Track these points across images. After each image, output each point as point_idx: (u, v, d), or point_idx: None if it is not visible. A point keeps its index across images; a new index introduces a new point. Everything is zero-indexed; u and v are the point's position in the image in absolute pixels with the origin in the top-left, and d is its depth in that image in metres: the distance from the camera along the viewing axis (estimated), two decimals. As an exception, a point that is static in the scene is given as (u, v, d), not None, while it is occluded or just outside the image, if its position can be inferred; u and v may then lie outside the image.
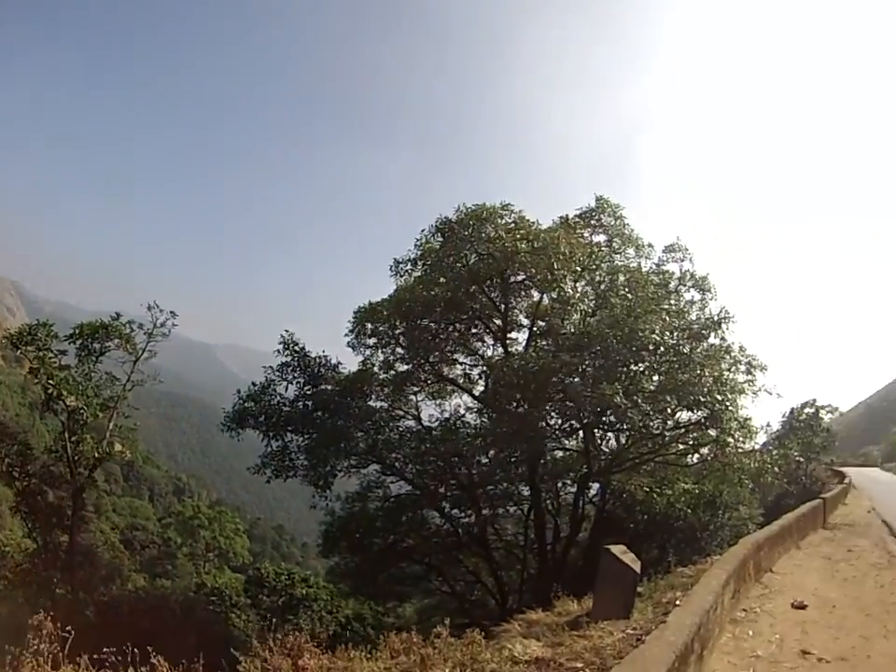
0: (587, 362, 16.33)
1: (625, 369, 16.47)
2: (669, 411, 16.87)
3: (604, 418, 17.44)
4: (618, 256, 20.58)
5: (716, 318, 18.70)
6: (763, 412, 48.42)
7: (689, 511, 18.77)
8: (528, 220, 18.97)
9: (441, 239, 19.04)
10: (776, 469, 18.44)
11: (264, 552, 77.25)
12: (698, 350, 17.72)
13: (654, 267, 20.58)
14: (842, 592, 10.06)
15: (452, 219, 18.63)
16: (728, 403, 16.28)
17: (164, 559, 55.39)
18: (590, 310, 18.75)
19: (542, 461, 19.61)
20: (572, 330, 17.21)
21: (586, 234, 20.32)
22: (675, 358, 16.76)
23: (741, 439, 17.51)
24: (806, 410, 36.82)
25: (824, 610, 8.87)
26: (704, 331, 18.44)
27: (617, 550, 7.09)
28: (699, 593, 6.18)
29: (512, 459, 18.37)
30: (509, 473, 19.07)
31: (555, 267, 17.10)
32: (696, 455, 18.96)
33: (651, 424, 17.35)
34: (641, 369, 17.05)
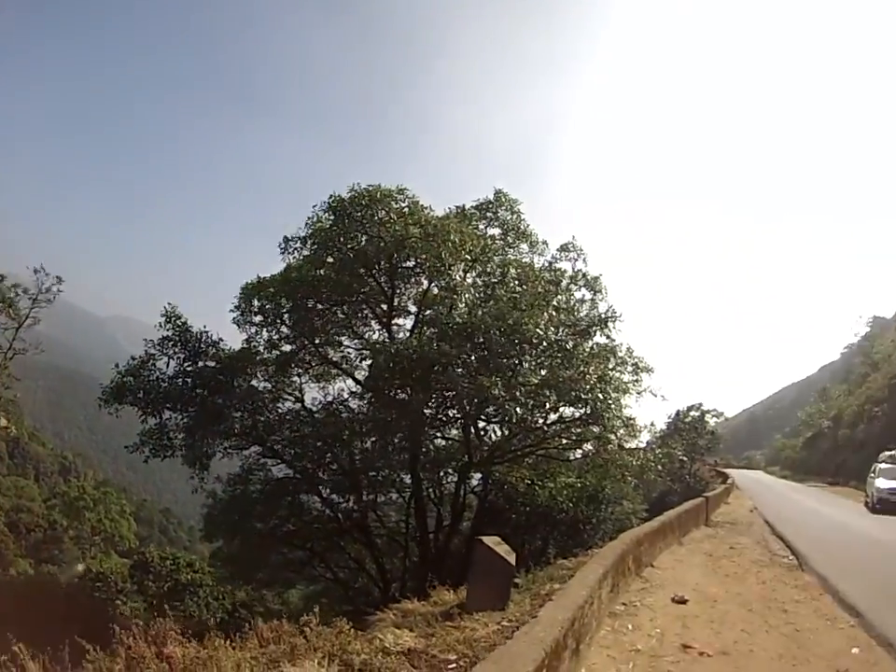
0: (469, 353, 17.18)
1: (506, 361, 17.40)
2: (549, 406, 17.70)
3: (485, 410, 18.33)
4: (511, 250, 21.86)
5: (603, 316, 20.10)
6: (650, 412, 53.92)
7: (571, 504, 20.13)
8: (422, 206, 19.63)
9: (332, 218, 19.34)
10: (659, 467, 20.03)
11: (151, 535, 77.65)
12: (583, 347, 18.92)
13: (547, 264, 21.97)
14: (724, 588, 10.31)
15: (345, 198, 18.94)
16: (611, 402, 17.44)
17: (50, 543, 54.57)
18: (477, 301, 19.58)
19: (424, 449, 20.50)
20: (458, 321, 17.80)
21: (481, 226, 21.32)
22: (558, 354, 17.81)
23: (625, 436, 19.08)
24: (692, 413, 41.61)
25: (705, 605, 9.03)
26: (590, 329, 19.78)
27: (490, 541, 7.17)
28: (573, 587, 6.27)
29: (393, 446, 19.10)
30: (390, 460, 19.74)
31: (444, 255, 17.75)
32: (579, 451, 20.37)
33: (531, 418, 18.30)
34: (523, 362, 18.12)
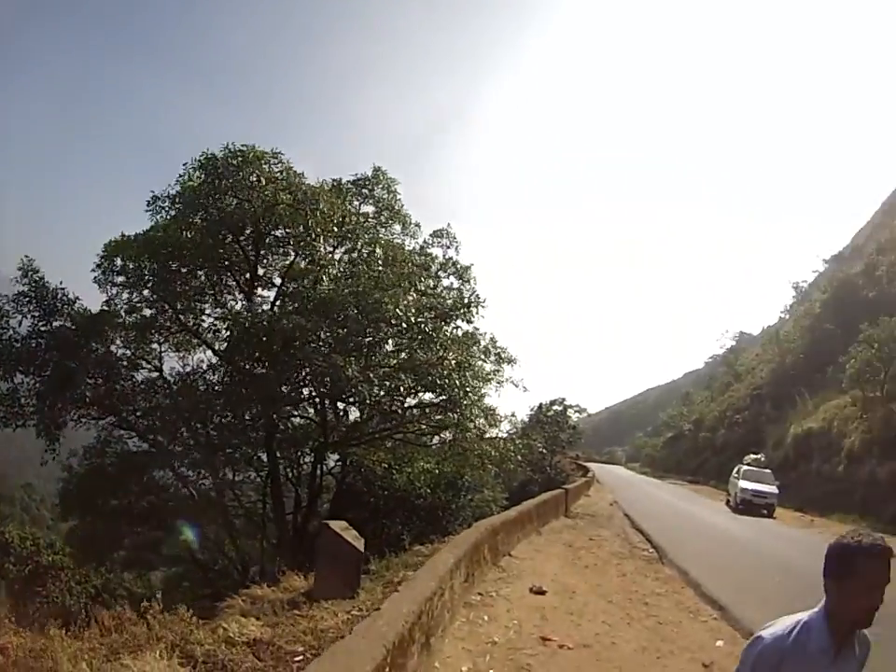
0: (326, 330, 17.77)
1: (364, 341, 18.12)
2: (403, 389, 18.47)
3: (339, 389, 18.63)
4: (383, 230, 22.75)
5: (466, 301, 21.15)
6: (514, 403, 57.45)
7: (429, 490, 20.89)
8: (296, 173, 20.14)
9: (202, 176, 19.68)
10: (518, 457, 21.36)
11: (13, 514, 75.37)
12: (444, 332, 19.86)
13: (418, 248, 23.09)
14: (583, 579, 10.57)
15: (217, 156, 19.31)
16: (469, 389, 18.36)
17: None
18: (342, 277, 20.15)
19: (282, 427, 21.14)
20: (319, 296, 18.37)
21: (356, 203, 22.10)
22: (418, 337, 18.60)
23: (485, 425, 20.43)
24: (555, 407, 43.15)
25: (565, 597, 9.14)
26: (452, 313, 20.70)
27: (337, 526, 7.24)
28: (422, 578, 6.24)
29: (248, 422, 19.87)
30: (247, 437, 20.28)
31: (311, 224, 18.37)
32: (438, 437, 21.43)
33: (385, 400, 19.05)
34: (381, 343, 18.99)
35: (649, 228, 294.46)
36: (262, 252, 21.12)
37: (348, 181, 22.10)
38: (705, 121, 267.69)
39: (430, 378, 17.77)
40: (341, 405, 21.98)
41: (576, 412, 45.12)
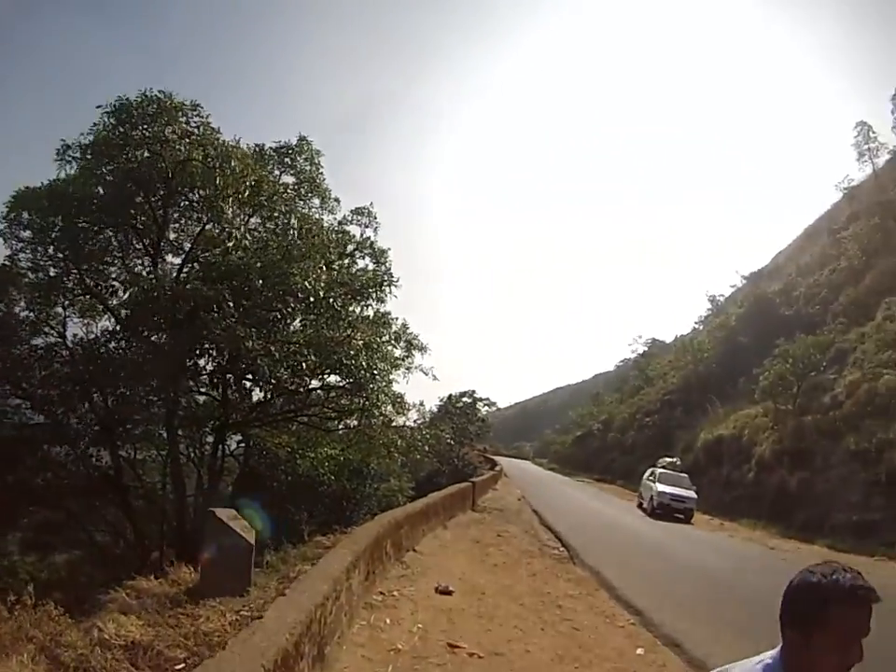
0: (229, 300, 17.18)
1: (268, 314, 17.67)
2: (307, 367, 18.11)
3: (239, 363, 18.47)
4: (302, 202, 22.32)
5: (378, 279, 20.80)
6: (424, 393, 57.89)
7: (333, 477, 20.50)
8: (213, 128, 19.34)
9: (114, 124, 18.65)
10: (426, 447, 21.37)
11: None
12: (353, 309, 19.74)
13: (336, 224, 22.58)
14: (492, 578, 10.11)
15: (132, 102, 18.24)
16: (376, 372, 18.15)
17: None
18: (252, 246, 19.74)
19: (185, 403, 20.49)
20: (228, 264, 17.89)
21: (277, 171, 21.62)
22: (325, 313, 18.27)
23: (392, 413, 20.17)
24: (464, 399, 44.68)
25: (473, 598, 8.64)
26: (364, 290, 20.40)
27: (225, 515, 6.87)
28: (314, 578, 5.78)
29: (152, 396, 19.36)
30: (149, 412, 19.85)
31: (219, 184, 17.66)
32: (343, 423, 21.14)
33: (288, 379, 18.86)
34: (287, 318, 18.56)
35: (568, 230, 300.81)
36: (173, 214, 20.32)
37: (270, 147, 21.38)
38: (635, 130, 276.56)
39: (336, 357, 17.44)
40: (247, 384, 21.11)
41: (485, 405, 46.82)
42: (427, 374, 21.11)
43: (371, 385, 17.91)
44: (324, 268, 18.30)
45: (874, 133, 43.38)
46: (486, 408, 47.43)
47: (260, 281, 17.02)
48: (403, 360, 20.44)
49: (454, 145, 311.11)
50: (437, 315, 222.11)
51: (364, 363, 17.39)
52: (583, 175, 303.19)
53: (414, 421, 22.66)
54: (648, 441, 42.12)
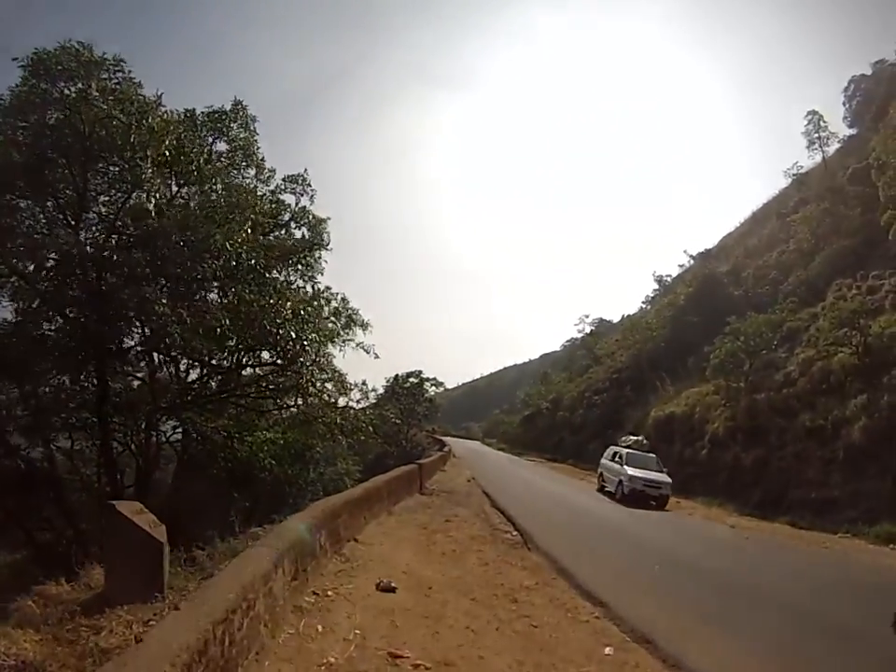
0: (145, 265, 16.21)
1: (182, 274, 16.38)
2: (227, 337, 17.16)
3: (163, 339, 17.17)
4: (235, 171, 21.35)
5: (306, 242, 20.16)
6: (372, 375, 57.49)
7: (273, 462, 19.36)
8: (137, 84, 18.17)
9: (31, 79, 17.12)
10: (370, 428, 20.83)
11: None
12: (282, 276, 19.00)
13: (270, 194, 21.72)
14: (440, 570, 9.26)
15: (50, 54, 16.82)
16: (306, 343, 17.26)
17: None
18: (172, 209, 18.45)
19: (120, 387, 19.68)
20: (146, 228, 16.71)
21: (210, 139, 20.50)
22: (248, 277, 17.04)
23: (333, 392, 19.84)
24: (411, 379, 45.44)
25: (419, 594, 7.78)
26: (292, 254, 19.63)
27: (128, 509, 6.34)
28: (219, 585, 4.79)
29: (84, 381, 18.36)
30: (83, 398, 18.49)
31: (136, 141, 16.36)
32: (281, 403, 20.46)
33: (205, 350, 17.94)
34: (204, 280, 17.26)
35: (515, 210, 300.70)
36: (97, 183, 18.74)
37: (203, 112, 20.03)
38: (581, 116, 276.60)
39: (260, 326, 16.40)
40: (180, 365, 20.59)
41: (432, 385, 47.99)
42: (368, 352, 20.42)
43: (303, 359, 16.94)
44: (250, 231, 17.17)
45: (824, 122, 44.76)
46: (434, 388, 48.54)
47: (181, 243, 15.85)
48: (339, 334, 19.48)
49: (402, 122, 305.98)
50: (383, 295, 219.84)
51: (293, 333, 16.36)
52: (532, 158, 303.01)
53: (357, 401, 21.91)
54: (597, 420, 42.11)
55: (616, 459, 24.21)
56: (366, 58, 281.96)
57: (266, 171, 21.27)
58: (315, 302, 19.34)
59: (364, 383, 21.90)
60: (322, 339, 17.81)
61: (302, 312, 17.03)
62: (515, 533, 13.30)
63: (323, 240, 20.19)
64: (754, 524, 18.36)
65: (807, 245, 35.10)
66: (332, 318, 19.82)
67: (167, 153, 16.62)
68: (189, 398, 19.37)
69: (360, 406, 22.11)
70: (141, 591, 5.97)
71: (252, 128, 20.71)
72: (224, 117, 20.10)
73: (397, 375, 45.76)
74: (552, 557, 10.99)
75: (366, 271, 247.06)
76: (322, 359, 18.53)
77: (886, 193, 26.25)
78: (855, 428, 19.26)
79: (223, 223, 16.20)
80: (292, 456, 20.78)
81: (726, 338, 27.04)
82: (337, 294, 20.62)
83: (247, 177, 21.23)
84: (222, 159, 20.60)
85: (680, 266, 55.42)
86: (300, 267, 19.85)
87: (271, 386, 19.42)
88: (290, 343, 16.39)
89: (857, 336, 21.53)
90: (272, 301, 16.50)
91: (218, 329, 16.05)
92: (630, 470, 22.51)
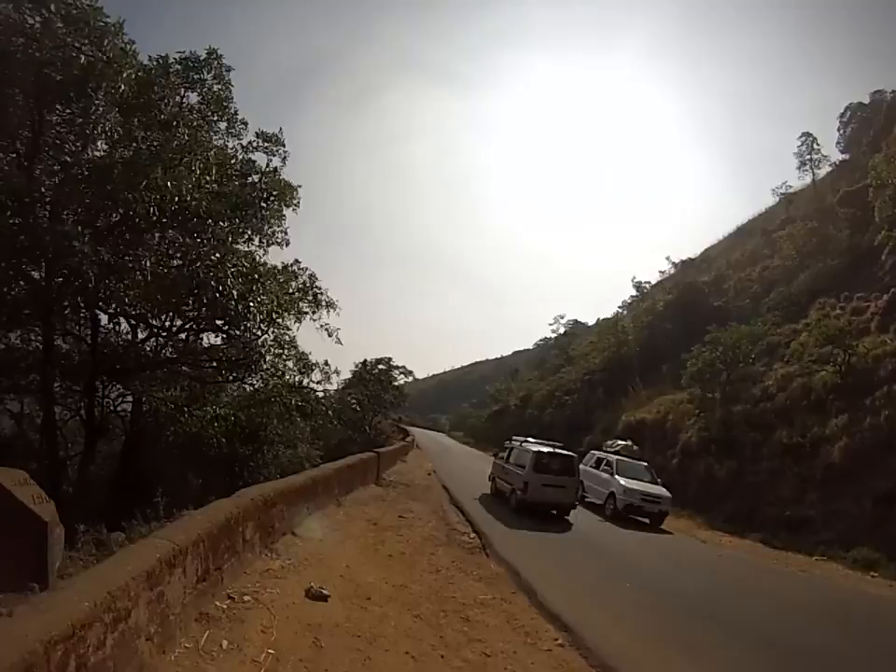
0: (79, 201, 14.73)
1: (112, 211, 14.78)
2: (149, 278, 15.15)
3: (82, 283, 14.93)
4: (207, 126, 19.86)
5: (267, 191, 18.54)
6: (341, 361, 56.23)
7: (223, 440, 18.00)
8: (99, 9, 15.94)
9: None
10: (329, 412, 20.10)
11: None
12: (234, 225, 17.17)
13: (242, 150, 20.29)
14: (385, 575, 8.08)
15: None
16: (253, 306, 15.47)
17: None
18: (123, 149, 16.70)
19: (67, 347, 18.28)
20: (91, 163, 15.21)
21: (182, 89, 19.17)
22: (194, 221, 15.27)
23: (293, 369, 19.02)
24: (380, 366, 43.79)
25: (355, 605, 6.58)
26: (248, 206, 17.93)
27: (8, 478, 5.41)
28: (85, 586, 3.68)
29: (31, 341, 17.36)
30: (33, 358, 17.28)
31: (85, 64, 14.70)
32: (230, 376, 19.07)
33: (137, 303, 16.40)
34: (141, 221, 15.01)
35: (497, 209, 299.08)
36: (52, 120, 16.91)
37: (175, 59, 18.53)
38: (570, 121, 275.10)
39: (199, 277, 14.51)
40: (121, 325, 18.81)
41: (401, 373, 46.12)
42: (330, 335, 19.08)
43: (249, 323, 15.09)
44: (198, 173, 15.43)
45: (818, 144, 44.90)
46: (403, 377, 46.87)
47: (123, 184, 14.00)
48: (299, 307, 17.96)
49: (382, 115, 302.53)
50: (358, 283, 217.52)
51: (234, 292, 14.40)
52: (520, 156, 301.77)
53: (318, 382, 20.41)
54: (567, 420, 41.00)
55: (604, 468, 20.68)
56: (359, 45, 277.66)
57: (238, 125, 19.72)
58: (273, 271, 17.81)
59: (326, 363, 20.52)
60: (275, 307, 16.00)
61: (247, 267, 15.29)
62: (473, 535, 12.12)
63: (285, 196, 18.56)
64: (726, 539, 17.42)
65: (791, 263, 34.64)
66: (296, 292, 18.43)
67: (126, 89, 15.00)
68: (133, 363, 17.92)
69: (321, 388, 20.83)
70: (21, 580, 5.13)
71: (227, 79, 19.16)
72: (196, 65, 18.61)
73: (365, 360, 44.28)
74: (512, 567, 9.83)
75: (344, 257, 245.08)
76: (279, 332, 17.36)
77: (882, 213, 25.45)
78: (835, 448, 18.45)
79: (172, 165, 14.56)
80: (246, 436, 19.39)
81: (705, 347, 26.12)
82: (305, 269, 19.26)
83: (219, 131, 19.83)
84: (194, 113, 19.10)
85: (661, 272, 54.66)
86: (256, 223, 18.12)
87: (221, 357, 17.94)
88: (232, 302, 14.50)
89: (841, 355, 20.69)
90: (219, 254, 14.74)
91: (148, 277, 14.45)
92: (623, 481, 19.09)
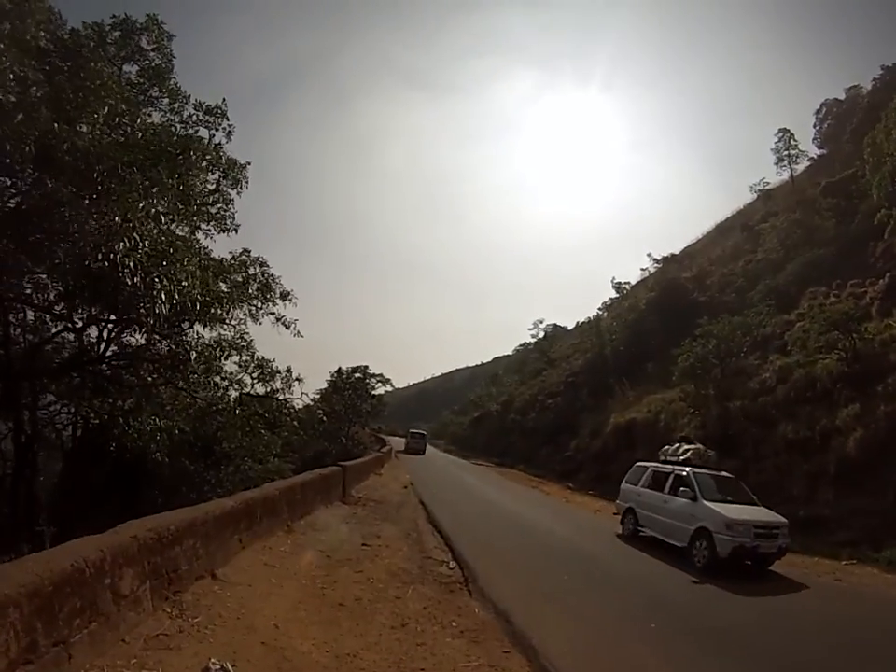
0: None
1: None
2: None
3: None
4: (143, 98, 17.54)
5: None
6: (314, 369, 54.39)
7: (165, 458, 15.73)
8: None
9: None
10: (294, 423, 18.70)
11: None
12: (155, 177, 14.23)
13: (182, 126, 17.86)
14: (327, 638, 5.68)
15: None
16: (158, 281, 11.97)
17: None
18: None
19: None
20: None
21: (119, 61, 17.07)
22: (103, 172, 12.14)
23: (253, 375, 17.15)
24: (356, 374, 42.45)
25: None
26: (163, 156, 15.05)
27: None
28: None
29: None
30: None
31: None
32: (154, 379, 16.29)
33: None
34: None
35: (475, 214, 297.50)
36: None
37: (109, 24, 16.40)
38: (549, 124, 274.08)
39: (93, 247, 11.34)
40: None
41: (378, 381, 44.51)
42: (288, 327, 16.93)
43: (152, 307, 11.84)
44: (102, 119, 12.83)
45: (795, 140, 45.25)
46: (381, 385, 45.26)
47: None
48: (246, 296, 15.66)
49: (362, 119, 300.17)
50: (337, 292, 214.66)
51: (131, 264, 11.22)
52: (497, 161, 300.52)
53: (279, 390, 17.90)
54: (550, 424, 38.84)
55: (673, 487, 13.52)
56: (338, 50, 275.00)
57: (182, 97, 17.34)
58: (195, 247, 15.46)
59: (289, 370, 17.99)
60: (210, 296, 13.12)
61: (155, 234, 12.06)
62: (454, 564, 9.63)
63: (231, 174, 16.61)
64: None
65: (776, 255, 33.50)
66: (248, 283, 16.18)
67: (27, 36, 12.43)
68: (46, 364, 15.51)
69: (292, 398, 18.33)
70: None
71: (167, 49, 17.01)
72: (133, 31, 16.53)
73: (339, 368, 42.62)
74: (502, 610, 7.40)
75: (323, 264, 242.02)
76: (226, 332, 15.42)
77: (880, 191, 23.69)
78: (850, 440, 16.40)
79: (76, 110, 12.09)
80: (199, 450, 17.67)
81: (696, 341, 24.09)
82: (257, 258, 16.87)
83: (161, 107, 17.64)
84: (133, 88, 16.82)
85: (643, 269, 53.06)
86: (187, 189, 15.29)
87: (146, 357, 15.48)
88: (164, 281, 11.50)
89: (847, 341, 18.73)
90: (126, 206, 11.55)
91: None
92: (720, 509, 12.02)
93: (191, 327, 14.05)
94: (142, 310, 12.20)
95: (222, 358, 16.02)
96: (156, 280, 11.21)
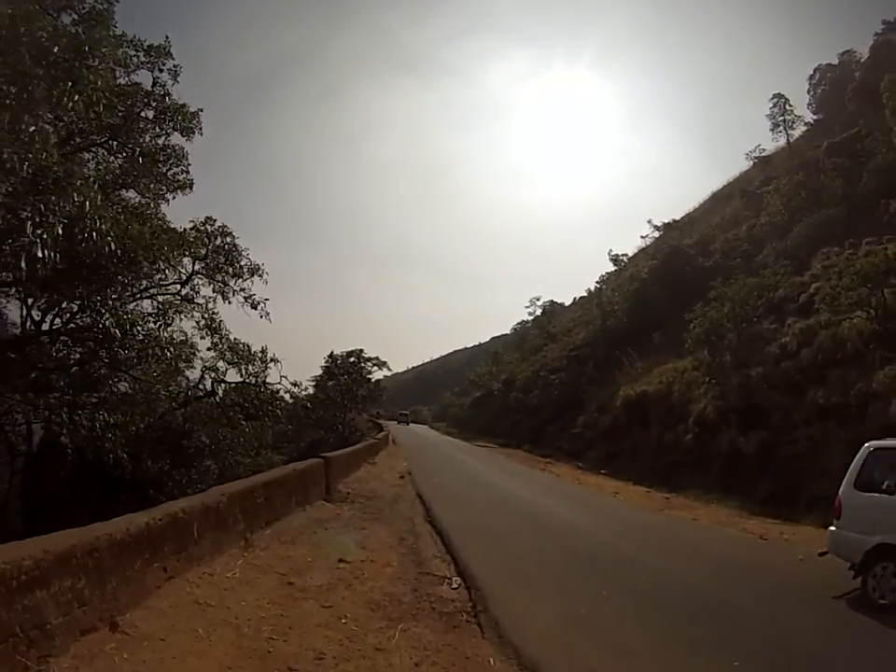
0: None
1: None
2: None
3: None
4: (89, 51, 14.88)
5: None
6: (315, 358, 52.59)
7: (124, 455, 13.49)
8: None
9: None
10: (278, 412, 17.22)
11: None
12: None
13: (124, 73, 15.88)
14: None
15: None
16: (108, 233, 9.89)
17: None
18: None
19: None
20: None
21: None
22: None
23: (226, 357, 15.49)
24: (351, 359, 40.68)
25: None
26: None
27: None
28: None
29: None
30: None
31: None
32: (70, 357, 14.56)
33: None
34: None
35: (469, 195, 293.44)
36: None
37: None
38: (542, 107, 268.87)
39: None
40: None
41: (374, 365, 43.10)
42: (255, 307, 15.41)
43: (38, 242, 8.76)
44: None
45: (790, 105, 43.63)
46: (377, 369, 43.83)
47: None
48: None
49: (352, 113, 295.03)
50: (333, 283, 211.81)
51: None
52: (493, 144, 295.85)
53: (253, 375, 15.96)
54: (556, 401, 36.53)
55: None
56: (329, 36, 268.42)
57: (126, 48, 15.09)
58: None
59: (263, 350, 16.00)
60: (116, 227, 10.31)
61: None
62: (457, 582, 7.27)
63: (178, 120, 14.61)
64: (777, 529, 12.52)
65: (780, 219, 31.62)
66: (221, 259, 14.55)
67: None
68: None
69: (257, 381, 16.24)
70: None
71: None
72: None
73: (332, 353, 40.78)
74: (530, 661, 5.12)
75: (318, 254, 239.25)
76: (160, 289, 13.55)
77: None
78: (892, 405, 14.35)
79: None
80: (166, 448, 15.92)
81: (709, 305, 21.85)
82: (221, 228, 14.81)
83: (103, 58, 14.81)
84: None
85: (643, 237, 50.84)
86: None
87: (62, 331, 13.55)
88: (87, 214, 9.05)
89: (878, 296, 16.60)
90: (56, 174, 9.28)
91: None
92: None
93: (112, 285, 11.65)
94: (8, 256, 9.42)
95: (161, 329, 13.65)
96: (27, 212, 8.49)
